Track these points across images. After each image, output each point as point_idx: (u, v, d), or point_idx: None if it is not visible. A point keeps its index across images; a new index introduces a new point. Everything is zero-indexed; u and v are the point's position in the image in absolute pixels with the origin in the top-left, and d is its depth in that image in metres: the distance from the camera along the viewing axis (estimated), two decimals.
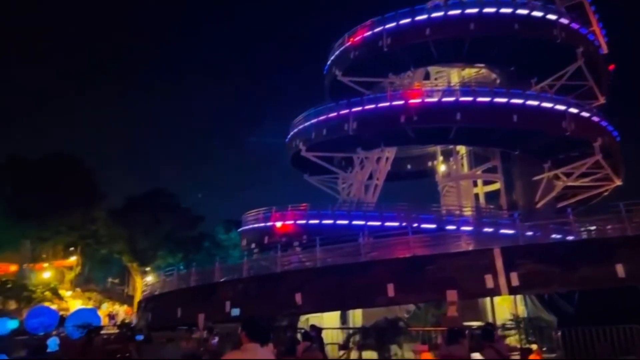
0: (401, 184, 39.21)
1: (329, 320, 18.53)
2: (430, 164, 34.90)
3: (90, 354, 13.16)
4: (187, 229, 50.00)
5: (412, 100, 25.58)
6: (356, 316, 20.40)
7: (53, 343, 23.56)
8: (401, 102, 25.71)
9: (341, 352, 11.49)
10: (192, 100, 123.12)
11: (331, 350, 12.33)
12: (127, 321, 27.40)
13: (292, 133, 30.63)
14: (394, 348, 12.76)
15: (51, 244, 46.14)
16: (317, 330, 11.71)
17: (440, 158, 32.71)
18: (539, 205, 26.76)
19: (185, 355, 10.82)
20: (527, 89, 26.43)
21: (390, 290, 15.75)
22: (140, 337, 15.88)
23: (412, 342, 13.94)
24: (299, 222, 24.60)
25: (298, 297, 16.39)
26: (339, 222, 23.46)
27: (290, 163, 32.35)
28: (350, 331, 13.68)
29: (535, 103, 25.10)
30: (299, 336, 11.25)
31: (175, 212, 48.99)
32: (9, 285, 42.22)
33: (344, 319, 20.65)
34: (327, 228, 23.17)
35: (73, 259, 51.41)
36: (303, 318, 18.38)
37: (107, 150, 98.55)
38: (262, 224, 26.16)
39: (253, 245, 26.52)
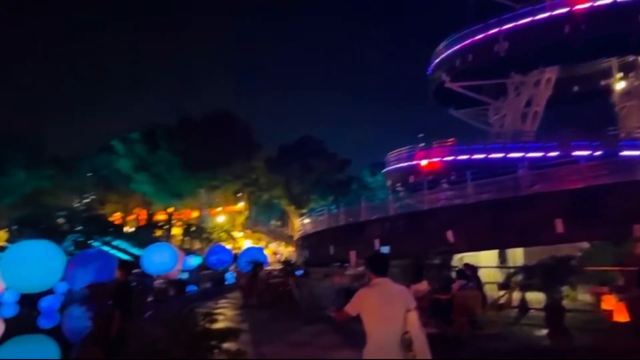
0: (565, 109, 34.28)
1: (485, 259, 17.42)
2: (603, 82, 29.59)
3: (257, 285, 14.49)
4: (335, 173, 51.86)
5: (578, 6, 21.48)
6: (516, 255, 18.84)
7: (230, 276, 26.96)
8: (565, 10, 21.79)
9: (502, 292, 10.62)
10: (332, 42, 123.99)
11: (490, 290, 11.47)
12: (288, 259, 29.78)
13: (433, 64, 28.54)
14: (565, 290, 11.33)
15: (221, 191, 52.07)
16: (472, 268, 10.96)
17: (618, 74, 27.43)
18: None
19: (340, 290, 11.12)
20: None
21: (559, 226, 13.96)
22: (299, 273, 17.00)
23: (587, 283, 12.24)
24: (445, 158, 23.27)
25: (450, 235, 15.62)
26: (492, 156, 21.52)
27: (433, 97, 30.45)
28: (511, 270, 12.55)
29: None
30: (453, 275, 10.65)
31: (324, 157, 51.01)
32: (193, 229, 49.46)
33: (502, 258, 19.28)
34: (478, 163, 21.50)
35: (241, 204, 57.69)
36: (456, 257, 17.61)
37: (258, 102, 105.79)
38: (406, 163, 25.47)
39: (398, 186, 26.10)
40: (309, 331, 9.68)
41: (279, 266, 24.01)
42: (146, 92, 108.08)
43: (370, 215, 19.58)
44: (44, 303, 15.77)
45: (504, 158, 20.82)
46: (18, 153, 43.10)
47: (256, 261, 17.36)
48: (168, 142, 46.52)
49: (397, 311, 3.62)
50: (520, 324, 9.44)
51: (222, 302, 16.57)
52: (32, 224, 37.41)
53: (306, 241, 24.61)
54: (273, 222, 60.12)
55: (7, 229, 42.70)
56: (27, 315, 15.51)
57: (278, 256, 41.83)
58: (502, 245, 17.61)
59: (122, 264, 6.43)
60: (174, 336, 4.26)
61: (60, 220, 44.02)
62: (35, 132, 48.46)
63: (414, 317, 3.63)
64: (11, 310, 16.46)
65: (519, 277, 11.97)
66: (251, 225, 56.80)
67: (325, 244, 20.58)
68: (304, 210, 49.32)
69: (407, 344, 3.61)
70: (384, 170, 29.20)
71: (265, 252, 36.49)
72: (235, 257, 31.39)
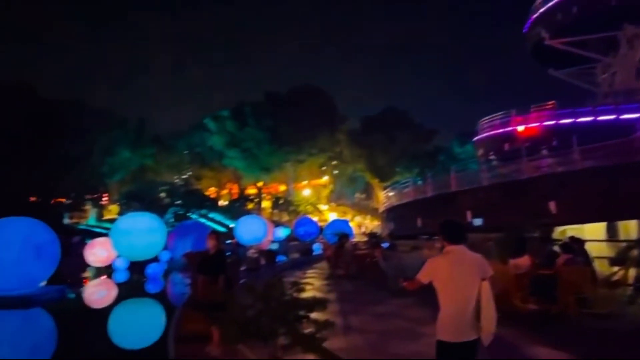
0: None
1: (591, 232, 15.83)
2: None
3: (343, 256, 14.52)
4: (421, 143, 50.24)
5: None
6: (629, 228, 16.91)
7: (317, 247, 27.52)
8: None
9: (615, 268, 9.54)
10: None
11: (599, 266, 10.38)
12: (373, 231, 29.61)
13: (531, 20, 26.02)
14: None
15: (307, 165, 53.03)
16: (579, 242, 9.96)
17: None
18: None
19: None
20: None
21: None
22: (386, 245, 16.77)
23: None
24: (546, 123, 21.31)
25: (552, 206, 14.34)
26: (601, 118, 19.31)
27: (531, 56, 27.89)
28: (624, 244, 11.23)
29: None
30: (556, 249, 9.74)
31: (408, 128, 49.60)
32: (280, 202, 51.14)
33: (611, 231, 17.42)
34: (584, 127, 19.43)
35: (326, 178, 58.41)
36: (558, 230, 16.19)
37: (341, 74, 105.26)
38: (501, 130, 23.76)
39: (491, 155, 24.51)
40: (396, 303, 9.47)
41: (364, 238, 24.00)
42: (235, 68, 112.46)
43: (461, 186, 18.58)
44: (150, 270, 17.21)
45: (616, 120, 18.57)
46: (124, 134, 47.16)
47: (342, 233, 17.38)
48: (256, 118, 48.04)
49: (471, 280, 3.50)
50: (637, 304, 8.42)
51: (310, 272, 16.89)
52: (138, 198, 40.96)
53: (391, 213, 24.21)
54: (357, 195, 60.21)
55: (118, 203, 47.19)
56: (136, 280, 17.04)
57: (363, 229, 41.89)
58: (612, 217, 15.85)
59: (214, 233, 6.60)
60: (264, 304, 4.25)
61: (162, 195, 47.72)
62: (137, 114, 52.71)
63: (486, 286, 3.50)
64: (123, 276, 18.22)
65: (635, 252, 10.68)
66: (336, 198, 57.39)
67: (412, 216, 20.04)
68: (388, 183, 48.72)
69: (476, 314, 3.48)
70: (475, 138, 27.58)
71: (351, 224, 36.68)
72: (321, 230, 31.99)
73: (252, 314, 4.16)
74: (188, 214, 41.10)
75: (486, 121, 25.33)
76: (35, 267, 12.46)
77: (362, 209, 56.22)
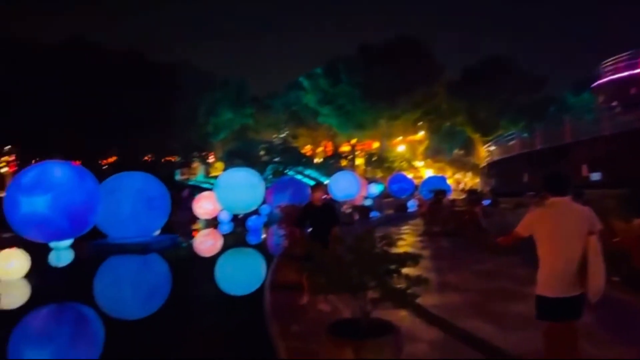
0: None
1: None
2: None
3: (439, 212, 13.98)
4: (528, 93, 46.01)
5: None
6: None
7: (411, 204, 26.99)
8: None
9: None
10: None
11: None
12: (472, 188, 28.20)
13: None
14: None
15: (402, 121, 51.56)
16: None
17: None
18: None
19: None
20: None
21: None
22: (487, 202, 15.85)
23: None
24: None
25: None
26: None
27: None
28: None
29: None
30: None
31: (514, 77, 45.49)
32: (374, 159, 50.74)
33: None
34: None
35: (421, 133, 56.46)
36: None
37: (439, 23, 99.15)
38: (626, 73, 20.73)
39: (614, 103, 21.63)
40: (498, 262, 8.89)
41: (462, 196, 22.98)
42: (329, 21, 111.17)
43: (577, 137, 16.64)
44: (250, 222, 18.14)
45: None
46: (226, 95, 49.44)
47: (439, 189, 16.73)
48: (349, 74, 47.33)
49: (577, 233, 3.32)
50: None
51: (404, 228, 16.61)
52: (239, 156, 43.16)
53: (493, 169, 22.71)
54: (456, 151, 57.54)
55: (222, 161, 50.26)
56: (238, 232, 18.11)
57: (461, 186, 40.15)
58: None
59: (322, 185, 6.52)
60: (353, 256, 4.10)
61: (262, 153, 49.78)
62: (237, 75, 54.70)
63: (594, 241, 3.29)
64: (227, 228, 19.48)
65: None
66: (432, 154, 55.40)
67: (518, 171, 18.58)
68: (490, 138, 45.74)
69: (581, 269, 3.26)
70: (594, 84, 24.49)
71: (448, 181, 35.33)
72: (416, 187, 31.27)
73: (341, 266, 4.03)
74: (285, 171, 42.53)
75: (609, 64, 22.24)
76: (149, 217, 13.72)
77: (461, 166, 53.75)
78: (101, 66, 34.80)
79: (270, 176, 39.00)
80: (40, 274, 10.35)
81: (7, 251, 9.64)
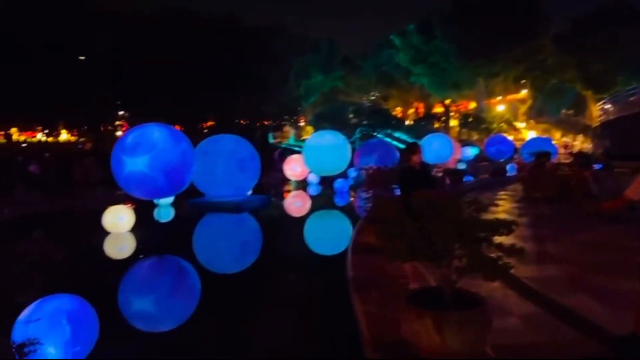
0: None
1: None
2: None
3: (541, 176, 12.80)
4: None
5: None
6: None
7: (510, 168, 25.21)
8: None
9: None
10: None
11: None
12: (582, 150, 25.58)
13: None
14: None
15: (501, 79, 47.88)
16: None
17: None
18: None
19: None
20: None
21: None
22: (598, 166, 14.23)
23: None
24: None
25: None
26: None
27: None
28: None
29: None
30: None
31: (634, 26, 39.58)
32: (470, 120, 48.01)
33: None
34: None
35: (524, 92, 52.06)
36: None
37: None
38: None
39: None
40: (609, 231, 7.92)
41: (569, 159, 20.90)
42: None
43: None
44: (337, 184, 18.14)
45: None
46: (316, 58, 49.41)
47: (542, 151, 15.27)
48: (443, 29, 44.57)
49: None
50: None
51: (501, 193, 15.56)
52: (328, 119, 43.26)
53: (608, 129, 20.26)
54: (563, 111, 52.32)
55: (311, 124, 50.85)
56: (326, 194, 18.26)
57: (568, 149, 36.57)
58: None
59: (419, 146, 6.10)
60: (437, 221, 3.78)
61: (350, 115, 49.40)
62: (328, 36, 54.16)
63: None
64: (315, 190, 19.74)
65: None
66: (536, 114, 50.92)
67: (638, 131, 16.34)
68: (605, 95, 40.76)
69: None
70: None
71: (553, 143, 32.40)
72: (516, 149, 29.11)
73: (424, 231, 3.73)
74: (374, 133, 41.91)
75: None
76: (240, 177, 14.28)
77: (569, 127, 48.89)
78: (200, 33, 36.36)
79: (359, 139, 38.70)
80: (144, 228, 11.29)
81: (116, 207, 10.60)
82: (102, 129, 40.18)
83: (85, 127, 42.44)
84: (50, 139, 43.63)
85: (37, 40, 27.28)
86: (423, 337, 3.35)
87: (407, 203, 4.01)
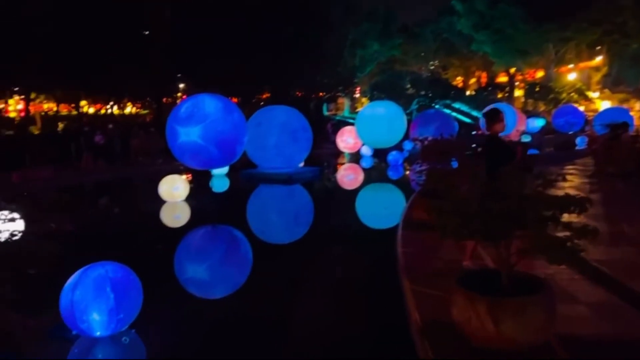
0: None
1: None
2: None
3: (616, 149, 11.67)
4: None
5: None
6: None
7: (580, 141, 23.44)
8: None
9: None
10: None
11: None
12: None
13: None
14: None
15: (574, 44, 44.25)
16: None
17: None
18: None
19: None
20: None
21: None
22: None
23: None
24: None
25: None
26: None
27: None
28: None
29: None
30: None
31: None
32: (537, 89, 44.99)
33: None
34: None
35: (599, 59, 47.93)
36: None
37: None
38: None
39: None
40: None
41: None
42: None
43: None
44: (390, 157, 17.61)
45: None
46: (373, 26, 47.96)
47: (618, 122, 13.91)
48: None
49: None
50: None
51: (569, 167, 14.44)
52: (384, 89, 42.14)
53: None
54: None
55: (366, 96, 49.85)
56: (380, 166, 17.84)
57: None
58: None
59: (500, 113, 5.57)
60: (495, 197, 3.39)
61: (408, 86, 47.82)
62: (385, 3, 52.26)
63: None
64: (368, 162, 19.33)
65: None
66: (612, 83, 46.81)
67: None
68: None
69: None
70: None
71: (632, 114, 29.70)
72: (588, 121, 26.99)
73: (479, 208, 3.36)
74: (432, 104, 40.38)
75: None
76: (292, 149, 14.17)
77: None
78: (256, 3, 36.18)
79: (416, 110, 37.46)
80: (198, 198, 11.51)
81: (171, 176, 10.84)
82: (164, 100, 41.50)
83: (148, 99, 44.07)
84: (116, 112, 45.79)
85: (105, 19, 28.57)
86: (475, 324, 3.03)
87: (494, 178, 3.59)
